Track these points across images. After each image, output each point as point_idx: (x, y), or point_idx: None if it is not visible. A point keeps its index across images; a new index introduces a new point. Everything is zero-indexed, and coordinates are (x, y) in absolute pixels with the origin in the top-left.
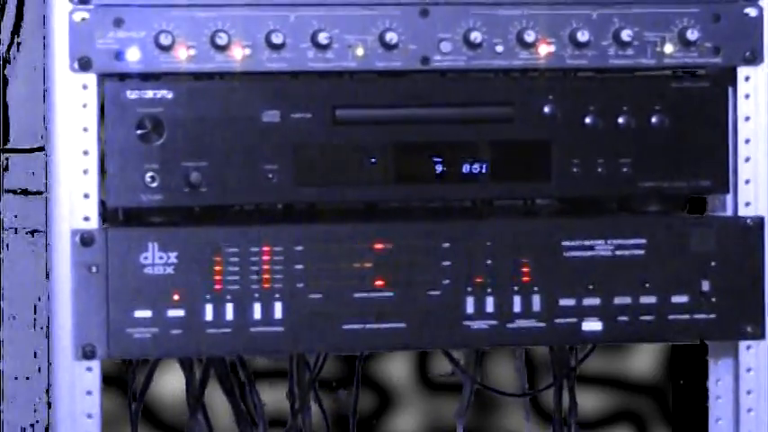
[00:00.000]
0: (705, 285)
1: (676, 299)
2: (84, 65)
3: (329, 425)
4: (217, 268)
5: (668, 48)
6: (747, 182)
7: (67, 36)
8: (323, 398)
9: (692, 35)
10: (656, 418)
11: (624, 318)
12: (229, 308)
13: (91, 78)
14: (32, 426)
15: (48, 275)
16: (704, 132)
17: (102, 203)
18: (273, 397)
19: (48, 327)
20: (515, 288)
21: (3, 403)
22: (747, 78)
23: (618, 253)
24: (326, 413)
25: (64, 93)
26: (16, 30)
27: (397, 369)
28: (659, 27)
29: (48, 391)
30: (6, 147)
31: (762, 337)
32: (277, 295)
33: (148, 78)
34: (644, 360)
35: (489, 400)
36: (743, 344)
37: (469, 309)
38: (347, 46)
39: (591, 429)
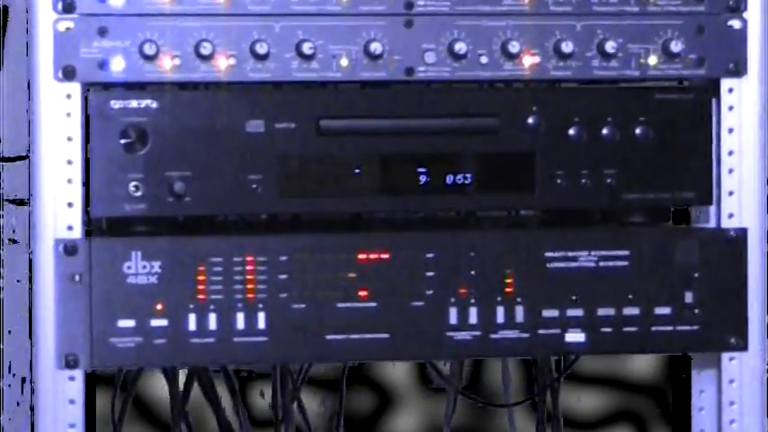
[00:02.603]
0: (688, 297)
1: (660, 310)
2: (68, 74)
3: None
4: (200, 278)
5: (652, 59)
6: (731, 193)
7: (52, 45)
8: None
9: (676, 47)
10: (656, 418)
11: (607, 329)
12: (213, 318)
13: (75, 88)
14: None
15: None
16: (688, 144)
17: (86, 212)
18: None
19: (30, 336)
20: (499, 299)
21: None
22: (731, 90)
23: (602, 264)
24: (310, 424)
25: (48, 102)
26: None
27: (396, 369)
28: (643, 39)
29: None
30: None
31: (745, 348)
32: (260, 305)
33: (133, 88)
34: (644, 360)
35: (492, 399)
36: (726, 355)
37: (453, 319)
38: (332, 56)
39: (591, 429)
